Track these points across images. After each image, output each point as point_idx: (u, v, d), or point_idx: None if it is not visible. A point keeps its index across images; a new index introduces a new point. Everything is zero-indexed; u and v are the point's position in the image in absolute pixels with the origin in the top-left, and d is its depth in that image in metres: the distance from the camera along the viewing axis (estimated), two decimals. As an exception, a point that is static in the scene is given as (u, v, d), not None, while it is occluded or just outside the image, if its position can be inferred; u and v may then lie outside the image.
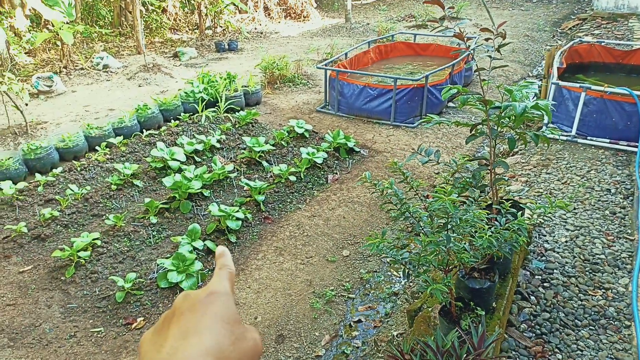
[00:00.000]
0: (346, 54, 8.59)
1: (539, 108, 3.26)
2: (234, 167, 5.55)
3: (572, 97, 5.95)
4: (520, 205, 3.75)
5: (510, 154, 6.09)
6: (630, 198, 4.72)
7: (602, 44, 8.12)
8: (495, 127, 3.55)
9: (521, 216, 3.55)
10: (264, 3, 16.33)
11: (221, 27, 14.49)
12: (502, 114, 3.41)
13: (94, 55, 10.83)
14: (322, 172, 5.70)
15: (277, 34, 14.59)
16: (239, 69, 10.15)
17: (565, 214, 4.48)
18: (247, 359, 0.50)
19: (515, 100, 3.40)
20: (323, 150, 5.85)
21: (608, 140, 5.73)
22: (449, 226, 2.47)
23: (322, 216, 4.91)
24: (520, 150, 6.07)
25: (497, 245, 2.79)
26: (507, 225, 2.82)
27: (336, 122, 7.28)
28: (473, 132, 3.53)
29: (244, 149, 6.15)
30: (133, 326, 3.55)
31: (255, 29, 15.31)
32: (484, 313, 2.65)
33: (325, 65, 7.72)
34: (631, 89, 7.59)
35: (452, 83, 7.72)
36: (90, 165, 5.67)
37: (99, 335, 3.48)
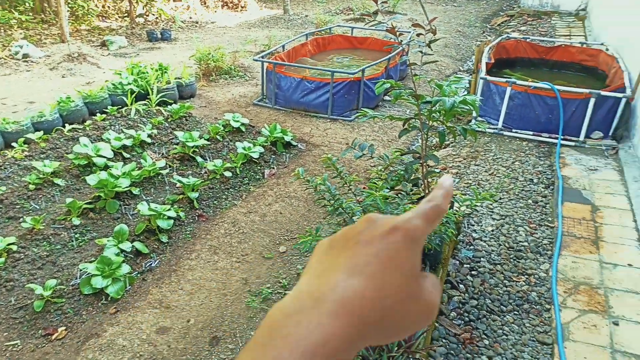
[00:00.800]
0: (283, 46, 8.49)
1: (467, 103, 3.35)
2: (166, 164, 5.33)
3: (499, 91, 6.21)
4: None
5: (442, 147, 6.28)
6: (551, 187, 5.00)
7: (528, 40, 8.55)
8: (427, 122, 3.63)
9: (450, 208, 3.66)
10: (200, -9, 15.81)
11: (154, 15, 13.88)
12: (433, 109, 3.48)
13: (13, 43, 10.02)
14: (259, 167, 5.61)
15: (213, 24, 14.18)
16: (173, 60, 9.76)
17: (491, 204, 4.67)
18: (411, 323, 0.43)
19: (445, 95, 3.48)
20: (260, 145, 5.75)
21: (532, 133, 6.05)
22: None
23: (259, 212, 4.82)
24: (452, 143, 6.28)
25: (427, 238, 2.85)
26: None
27: (273, 115, 7.18)
28: (405, 126, 3.58)
29: (177, 144, 5.92)
30: (54, 337, 3.31)
31: (191, 18, 14.79)
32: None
33: (262, 57, 7.58)
34: (553, 83, 8.09)
35: (388, 77, 7.85)
36: (6, 163, 5.23)
37: (14, 349, 3.22)
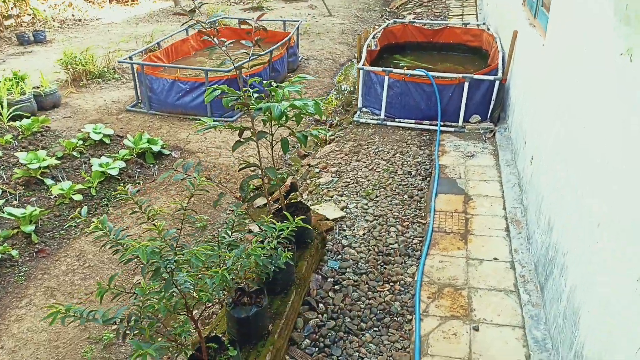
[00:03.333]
0: (159, 43, 7.82)
1: (297, 107, 3.02)
2: (2, 191, 4.60)
3: (379, 80, 6.00)
4: (305, 206, 3.53)
5: (323, 144, 6.00)
6: (429, 179, 4.86)
7: (415, 24, 8.46)
8: (271, 130, 3.27)
9: (306, 216, 3.34)
10: (82, -14, 14.48)
11: (29, 15, 12.51)
12: (268, 115, 3.12)
13: None
14: (122, 184, 5.02)
15: (98, 21, 13.03)
16: (46, 65, 8.74)
17: (367, 204, 4.44)
18: None
19: (279, 100, 3.13)
20: (121, 159, 5.16)
21: (413, 121, 5.91)
22: (167, 269, 2.07)
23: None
24: (336, 137, 6.01)
25: (260, 267, 2.50)
26: (269, 240, 2.53)
27: (148, 121, 6.56)
28: (240, 138, 3.19)
29: (22, 166, 5.18)
30: None
31: (73, 15, 13.52)
32: (236, 353, 2.34)
33: (131, 57, 6.89)
34: (440, 65, 8.06)
35: (273, 71, 7.45)
36: None
37: None
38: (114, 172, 4.92)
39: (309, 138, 3.23)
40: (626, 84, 2.05)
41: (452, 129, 5.72)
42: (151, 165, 5.41)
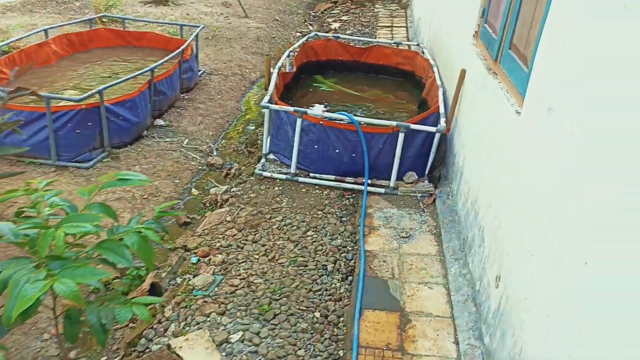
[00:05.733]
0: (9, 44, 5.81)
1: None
2: None
3: (290, 120, 4.55)
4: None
5: (219, 205, 4.45)
6: (350, 278, 3.48)
7: (339, 38, 7.10)
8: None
9: None
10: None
11: None
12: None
13: None
14: None
15: (-50, 6, 10.38)
16: None
17: (260, 331, 2.96)
18: None
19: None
20: None
21: (333, 177, 4.52)
22: None
23: None
24: (233, 195, 4.47)
25: None
26: None
27: (-38, 166, 4.62)
28: None
29: None
30: None
31: None
32: None
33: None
34: (367, 90, 6.78)
35: (158, 94, 5.73)
36: None
37: None
38: None
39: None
40: None
41: (382, 190, 4.41)
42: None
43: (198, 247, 3.75)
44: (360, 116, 4.78)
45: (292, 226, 3.97)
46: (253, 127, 6.22)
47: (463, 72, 4.18)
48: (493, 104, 3.18)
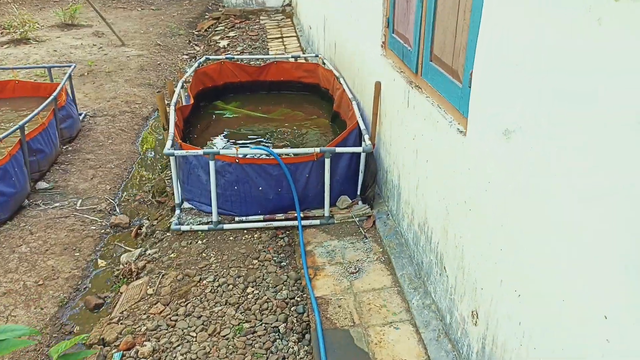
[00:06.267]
0: None
1: None
2: None
3: (202, 163, 4.03)
4: None
5: (135, 275, 3.80)
6: (308, 335, 3.08)
7: (234, 59, 6.64)
8: None
9: None
10: None
11: None
12: None
13: None
14: None
15: None
16: None
17: None
18: None
19: None
20: None
21: (262, 217, 4.09)
22: None
23: None
24: (150, 260, 3.84)
25: None
26: None
27: None
28: None
29: None
30: None
31: None
32: None
33: None
34: (273, 109, 6.40)
35: (34, 153, 4.86)
36: None
37: None
38: None
39: None
40: None
41: (318, 222, 4.06)
42: None
43: (119, 338, 3.11)
44: (277, 145, 4.39)
45: (228, 285, 3.47)
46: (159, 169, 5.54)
47: (378, 85, 3.96)
48: (425, 121, 2.96)
